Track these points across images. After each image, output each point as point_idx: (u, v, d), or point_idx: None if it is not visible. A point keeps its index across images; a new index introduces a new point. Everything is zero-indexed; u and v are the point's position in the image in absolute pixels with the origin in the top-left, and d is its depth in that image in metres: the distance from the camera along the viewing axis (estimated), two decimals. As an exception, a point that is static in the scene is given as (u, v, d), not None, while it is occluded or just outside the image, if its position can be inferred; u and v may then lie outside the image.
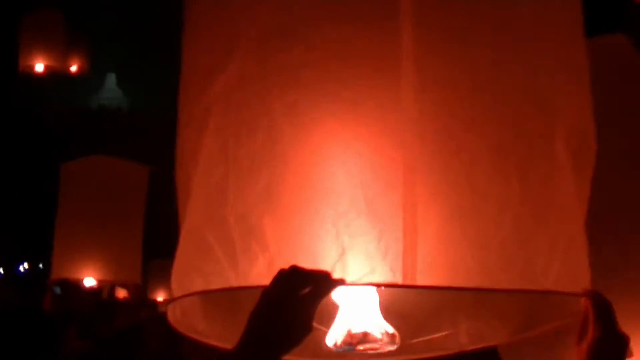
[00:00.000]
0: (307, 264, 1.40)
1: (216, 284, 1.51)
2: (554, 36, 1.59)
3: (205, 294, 1.58)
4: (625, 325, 1.56)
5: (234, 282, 1.49)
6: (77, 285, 6.15)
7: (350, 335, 1.53)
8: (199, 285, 1.54)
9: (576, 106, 1.59)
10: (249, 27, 1.54)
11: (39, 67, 8.81)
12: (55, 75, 9.08)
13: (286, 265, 1.40)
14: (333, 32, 1.48)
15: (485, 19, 1.51)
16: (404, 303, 1.69)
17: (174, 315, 1.66)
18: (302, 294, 1.39)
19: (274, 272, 1.40)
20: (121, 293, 7.48)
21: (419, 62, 1.45)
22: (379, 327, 1.55)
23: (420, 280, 1.40)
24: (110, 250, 6.03)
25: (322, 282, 1.40)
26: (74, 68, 10.08)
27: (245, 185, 1.49)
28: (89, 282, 6.06)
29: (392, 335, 1.55)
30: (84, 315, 6.13)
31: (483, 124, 1.47)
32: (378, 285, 1.47)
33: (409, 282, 1.40)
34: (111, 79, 14.91)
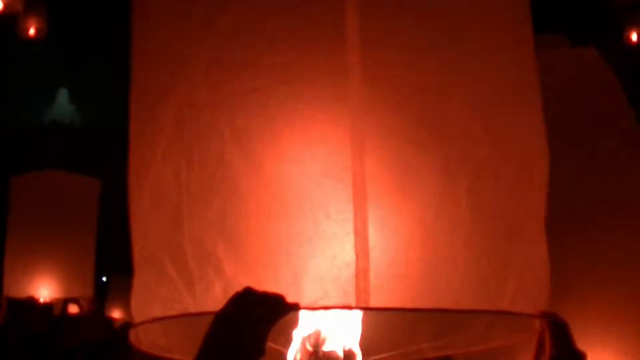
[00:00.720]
0: (261, 288, 1.40)
1: (175, 309, 1.52)
2: (504, 56, 1.60)
3: (164, 320, 1.58)
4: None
5: (192, 308, 1.49)
6: (30, 302, 6.06)
7: (308, 354, 1.54)
8: (158, 311, 1.55)
9: (525, 127, 1.61)
10: (197, 52, 1.54)
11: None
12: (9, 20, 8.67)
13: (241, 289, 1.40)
14: (280, 57, 1.49)
15: (433, 38, 1.52)
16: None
17: (135, 334, 1.66)
18: (255, 316, 1.38)
19: (230, 296, 1.40)
20: (73, 309, 7.38)
21: (366, 83, 1.47)
22: (339, 346, 1.55)
23: (374, 302, 1.42)
24: (62, 266, 5.96)
25: (276, 305, 1.40)
26: (32, 31, 9.79)
27: (198, 210, 1.50)
28: (44, 299, 5.97)
29: (350, 353, 1.55)
30: (37, 332, 6.04)
31: (432, 145, 1.48)
32: (332, 308, 1.47)
33: (362, 305, 1.41)
34: (63, 94, 14.68)
